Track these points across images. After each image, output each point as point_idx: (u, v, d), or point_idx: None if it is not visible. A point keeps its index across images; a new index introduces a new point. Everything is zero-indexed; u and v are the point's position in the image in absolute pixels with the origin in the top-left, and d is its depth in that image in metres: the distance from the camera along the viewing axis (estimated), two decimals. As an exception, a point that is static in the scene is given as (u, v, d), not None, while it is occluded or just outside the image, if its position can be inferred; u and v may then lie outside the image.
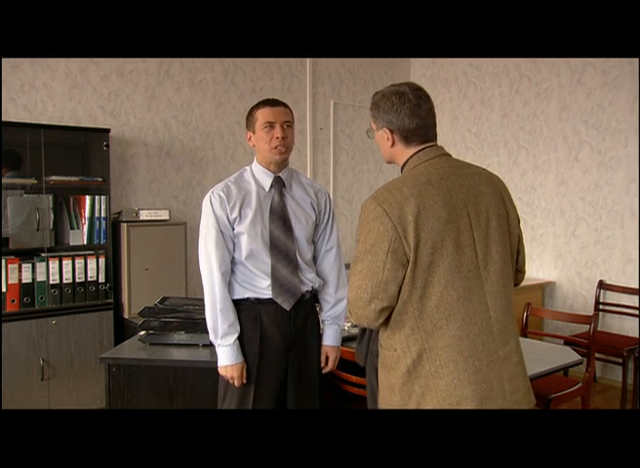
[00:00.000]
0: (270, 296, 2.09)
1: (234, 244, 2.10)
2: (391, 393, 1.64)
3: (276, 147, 2.08)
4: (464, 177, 1.61)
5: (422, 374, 1.58)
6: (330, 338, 2.26)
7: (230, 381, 2.07)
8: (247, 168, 2.21)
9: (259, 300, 2.10)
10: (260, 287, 2.09)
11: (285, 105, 2.13)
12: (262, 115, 2.09)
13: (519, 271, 1.79)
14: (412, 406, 1.60)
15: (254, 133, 2.12)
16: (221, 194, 2.09)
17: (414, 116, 1.62)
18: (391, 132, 1.63)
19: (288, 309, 2.10)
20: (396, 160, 1.69)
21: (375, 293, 1.53)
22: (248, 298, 2.10)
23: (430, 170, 1.59)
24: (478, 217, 1.58)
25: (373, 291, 1.53)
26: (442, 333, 1.55)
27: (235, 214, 2.08)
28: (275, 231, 2.10)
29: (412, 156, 1.64)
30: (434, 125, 1.68)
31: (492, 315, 1.59)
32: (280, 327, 2.10)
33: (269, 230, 2.09)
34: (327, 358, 2.25)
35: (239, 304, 2.11)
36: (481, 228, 1.58)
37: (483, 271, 1.58)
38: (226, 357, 2.06)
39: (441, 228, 1.52)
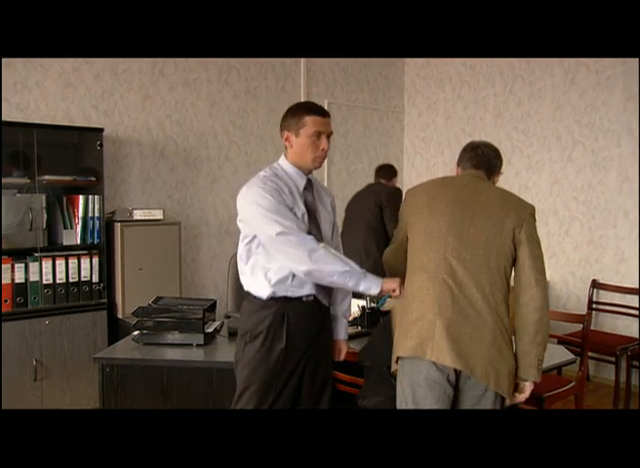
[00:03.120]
0: (300, 294, 2.09)
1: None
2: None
3: (319, 157, 2.13)
4: (476, 197, 2.02)
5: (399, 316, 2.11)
6: (343, 332, 2.34)
7: (395, 293, 2.04)
8: (275, 166, 2.17)
9: (286, 298, 2.10)
10: (291, 284, 2.08)
11: (330, 116, 2.17)
12: (313, 123, 2.08)
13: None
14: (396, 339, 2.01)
15: (296, 136, 2.10)
16: (271, 183, 2.05)
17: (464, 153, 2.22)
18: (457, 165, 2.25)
19: (327, 305, 2.18)
20: None
21: None
22: (276, 296, 2.09)
23: (458, 180, 2.13)
24: (467, 226, 1.98)
25: None
26: (409, 290, 2.01)
27: (289, 202, 2.07)
28: (312, 230, 2.12)
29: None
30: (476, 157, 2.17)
31: (455, 298, 1.97)
32: (304, 325, 2.11)
33: (308, 229, 2.10)
34: (339, 351, 2.31)
35: (267, 302, 2.09)
36: (468, 231, 1.98)
37: (463, 259, 1.99)
38: (373, 281, 2.01)
39: (430, 214, 2.02)
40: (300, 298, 2.10)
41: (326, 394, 2.20)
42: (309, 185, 2.17)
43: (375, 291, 2.02)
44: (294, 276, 2.07)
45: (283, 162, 2.17)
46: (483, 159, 2.17)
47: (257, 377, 2.07)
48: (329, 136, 2.14)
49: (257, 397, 2.07)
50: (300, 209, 2.09)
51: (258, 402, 2.06)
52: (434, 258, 1.95)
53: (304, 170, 2.15)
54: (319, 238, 2.11)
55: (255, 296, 2.12)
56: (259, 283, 2.10)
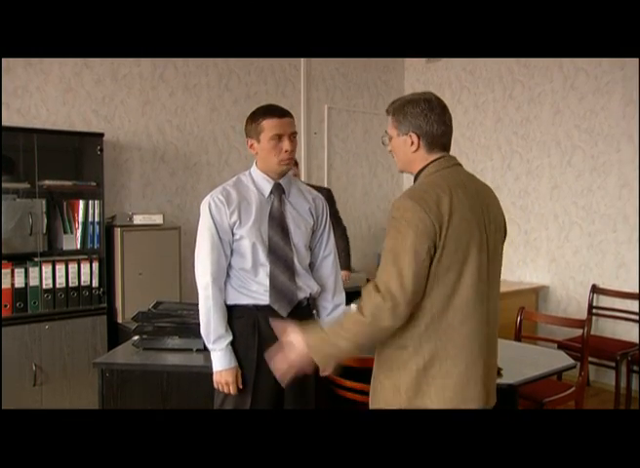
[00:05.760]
0: (268, 302, 2.08)
1: (232, 249, 2.10)
2: (396, 393, 1.63)
3: (284, 160, 2.08)
4: (478, 187, 1.69)
5: (432, 374, 1.59)
6: None
7: (225, 388, 2.05)
8: (245, 173, 2.20)
9: (257, 307, 2.09)
10: (258, 292, 2.08)
11: (291, 115, 2.10)
12: (270, 126, 2.05)
13: None
14: (417, 405, 1.60)
15: (258, 142, 2.09)
16: (221, 197, 2.08)
17: (441, 123, 1.64)
18: (418, 137, 1.64)
19: (284, 315, 2.07)
20: (413, 167, 1.70)
21: (410, 287, 1.51)
22: (246, 304, 2.09)
23: (454, 175, 1.65)
24: (489, 227, 1.64)
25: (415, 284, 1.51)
26: (457, 334, 1.57)
27: (235, 217, 2.07)
28: (274, 237, 2.09)
29: (432, 162, 1.66)
30: (451, 134, 1.71)
31: (490, 320, 1.65)
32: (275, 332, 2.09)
33: (268, 236, 2.09)
34: None
35: (237, 310, 2.10)
36: (491, 237, 1.64)
37: (490, 278, 1.64)
38: (219, 361, 2.05)
39: (468, 228, 1.57)
40: (268, 306, 2.08)
41: (308, 394, 2.16)
42: (277, 190, 2.14)
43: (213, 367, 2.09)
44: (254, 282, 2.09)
45: (253, 169, 2.17)
46: (450, 134, 1.70)
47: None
48: (292, 136, 2.08)
49: (233, 406, 2.08)
50: (251, 216, 2.07)
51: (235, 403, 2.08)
52: (480, 296, 1.61)
53: (273, 175, 2.13)
54: (284, 243, 2.10)
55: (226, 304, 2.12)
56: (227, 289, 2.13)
